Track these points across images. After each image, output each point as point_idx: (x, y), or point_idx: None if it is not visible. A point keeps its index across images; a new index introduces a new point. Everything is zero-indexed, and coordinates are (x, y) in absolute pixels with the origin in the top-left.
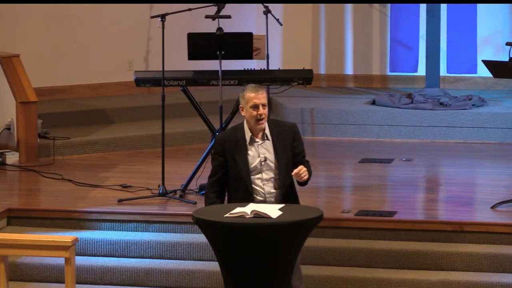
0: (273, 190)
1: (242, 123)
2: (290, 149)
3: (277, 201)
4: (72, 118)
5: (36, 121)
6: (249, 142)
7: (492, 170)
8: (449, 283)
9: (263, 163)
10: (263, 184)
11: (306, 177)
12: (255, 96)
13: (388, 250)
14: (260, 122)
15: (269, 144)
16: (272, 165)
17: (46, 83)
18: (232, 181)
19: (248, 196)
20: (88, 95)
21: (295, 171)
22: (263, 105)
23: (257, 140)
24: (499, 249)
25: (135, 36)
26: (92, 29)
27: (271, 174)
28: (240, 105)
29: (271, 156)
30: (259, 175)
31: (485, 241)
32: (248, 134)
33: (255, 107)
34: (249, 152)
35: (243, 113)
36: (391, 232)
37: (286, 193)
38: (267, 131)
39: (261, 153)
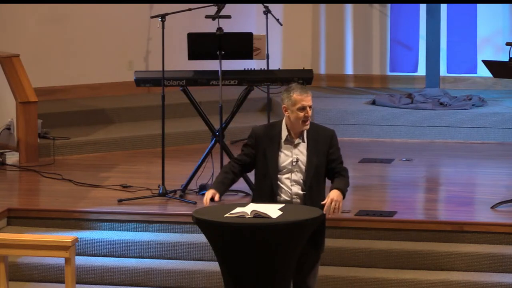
0: (300, 192)
1: (280, 121)
2: (324, 155)
3: (303, 203)
4: (72, 118)
5: (36, 121)
6: (284, 141)
7: (492, 170)
8: (449, 283)
9: (294, 164)
10: (291, 185)
11: (338, 211)
12: (303, 98)
13: (388, 250)
14: (306, 123)
15: (304, 146)
16: (303, 167)
17: (46, 83)
18: (258, 178)
19: (271, 194)
20: (88, 95)
21: (326, 207)
22: (310, 107)
23: (293, 140)
24: (499, 249)
25: (135, 36)
26: (92, 29)
27: (300, 176)
28: (284, 105)
29: (303, 158)
30: (288, 175)
31: (485, 241)
32: (285, 133)
33: (303, 109)
34: (283, 150)
35: (286, 114)
36: (391, 232)
37: (312, 196)
38: (305, 134)
39: (294, 154)
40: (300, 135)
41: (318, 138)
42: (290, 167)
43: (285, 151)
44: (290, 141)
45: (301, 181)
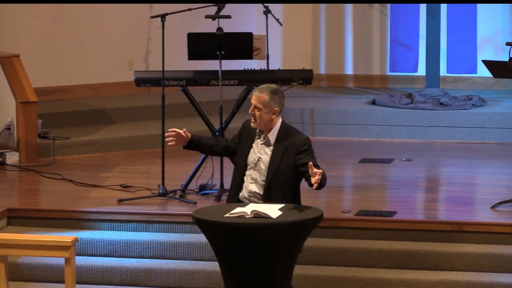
0: (256, 190)
1: None
2: (290, 160)
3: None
4: (72, 118)
5: (36, 121)
6: (257, 138)
7: (492, 170)
8: (449, 283)
9: (255, 162)
10: (250, 182)
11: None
12: (253, 95)
13: (388, 250)
14: (252, 120)
15: (269, 148)
16: (263, 168)
17: (46, 83)
18: (234, 168)
19: (237, 187)
20: (88, 95)
21: (316, 177)
22: (256, 108)
23: (262, 138)
24: (499, 249)
25: (135, 36)
26: (92, 29)
27: (260, 176)
28: None
29: (266, 159)
30: (250, 172)
31: (485, 241)
32: (259, 131)
33: (251, 105)
34: (253, 146)
35: None
36: (391, 232)
37: (271, 200)
38: (272, 136)
39: (258, 153)
40: (267, 137)
41: (286, 144)
42: (252, 164)
43: (254, 148)
44: (260, 139)
45: (261, 181)
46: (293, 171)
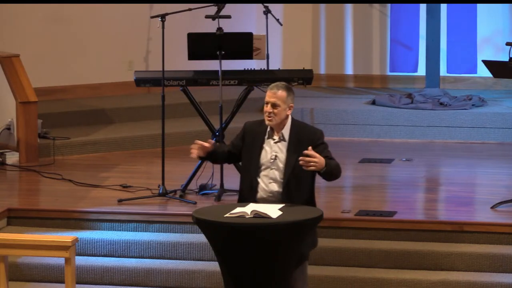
0: (277, 190)
1: None
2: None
3: (280, 202)
4: (72, 118)
5: (36, 121)
6: (267, 137)
7: (492, 170)
8: (449, 283)
9: (272, 161)
10: (269, 183)
11: (313, 167)
12: (269, 93)
13: (388, 250)
14: (268, 119)
15: (284, 145)
16: (281, 165)
17: (46, 83)
18: (241, 173)
19: (251, 190)
20: (88, 95)
21: (306, 153)
22: (273, 105)
23: (275, 137)
24: (499, 249)
25: (135, 36)
26: (92, 29)
27: (279, 174)
28: None
29: (282, 156)
30: (266, 172)
31: (485, 241)
32: (268, 130)
33: (266, 104)
34: (265, 146)
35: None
36: (391, 232)
37: (290, 196)
38: (286, 132)
39: (273, 151)
40: (281, 133)
41: (301, 138)
42: (269, 164)
43: (267, 147)
44: (271, 138)
45: (280, 179)
46: None
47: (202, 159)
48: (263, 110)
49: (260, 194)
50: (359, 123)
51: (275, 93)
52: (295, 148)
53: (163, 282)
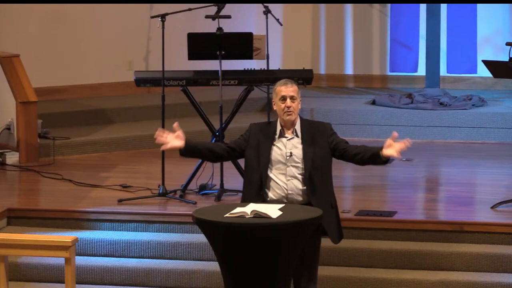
0: (299, 187)
1: (276, 120)
2: (324, 147)
3: (304, 198)
4: (72, 118)
5: (36, 121)
6: (279, 136)
7: (492, 170)
8: (449, 283)
9: (288, 158)
10: (287, 180)
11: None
12: (283, 88)
13: (388, 250)
14: (288, 113)
15: (298, 141)
16: (299, 161)
17: (46, 83)
18: (246, 174)
19: (260, 188)
20: (88, 95)
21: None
22: (291, 98)
23: (287, 135)
24: (499, 249)
25: (135, 36)
26: (92, 29)
27: (297, 171)
28: (273, 100)
29: (298, 152)
30: (283, 170)
31: (485, 241)
32: (279, 128)
33: (283, 99)
34: (276, 144)
35: (274, 108)
36: (391, 232)
37: (317, 191)
38: (298, 127)
39: (288, 148)
40: (293, 130)
41: (313, 132)
42: (284, 161)
43: (279, 145)
44: (283, 136)
45: (299, 175)
46: (328, 157)
47: (185, 154)
48: (278, 108)
49: (277, 192)
50: (359, 123)
51: (289, 87)
52: (309, 142)
53: (163, 282)
